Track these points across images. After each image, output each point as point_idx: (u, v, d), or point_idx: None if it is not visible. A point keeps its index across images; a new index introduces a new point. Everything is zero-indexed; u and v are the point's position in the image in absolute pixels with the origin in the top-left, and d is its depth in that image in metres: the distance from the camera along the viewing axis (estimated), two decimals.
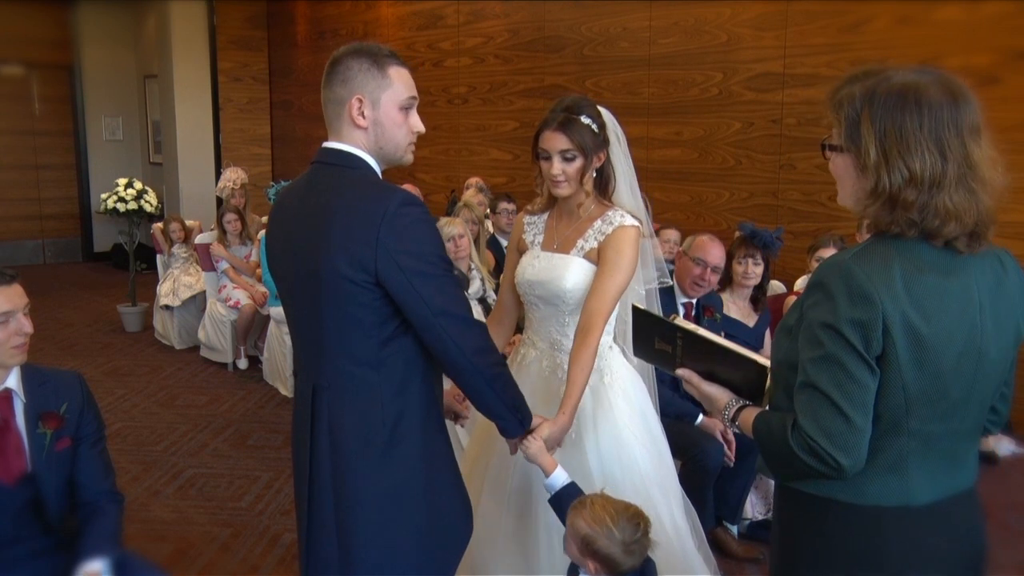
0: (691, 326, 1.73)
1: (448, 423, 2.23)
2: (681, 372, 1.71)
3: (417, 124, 1.85)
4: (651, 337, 1.78)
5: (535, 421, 1.99)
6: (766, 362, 1.60)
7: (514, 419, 1.91)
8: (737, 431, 1.63)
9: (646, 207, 2.40)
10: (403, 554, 1.81)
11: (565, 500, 1.97)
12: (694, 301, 3.48)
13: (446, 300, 1.73)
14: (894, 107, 1.38)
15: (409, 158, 1.87)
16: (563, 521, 1.96)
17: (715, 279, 3.45)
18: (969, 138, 1.38)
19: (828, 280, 1.40)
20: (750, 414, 1.57)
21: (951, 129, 1.37)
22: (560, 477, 2.01)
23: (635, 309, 1.83)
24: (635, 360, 2.41)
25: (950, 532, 1.46)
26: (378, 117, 1.79)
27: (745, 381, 1.62)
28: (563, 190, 2.25)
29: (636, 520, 1.89)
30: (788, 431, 1.41)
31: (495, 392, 1.84)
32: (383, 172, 1.87)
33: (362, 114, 1.77)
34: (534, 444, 1.98)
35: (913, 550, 1.43)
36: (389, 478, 1.78)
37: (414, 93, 1.84)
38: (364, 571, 1.79)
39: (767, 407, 1.59)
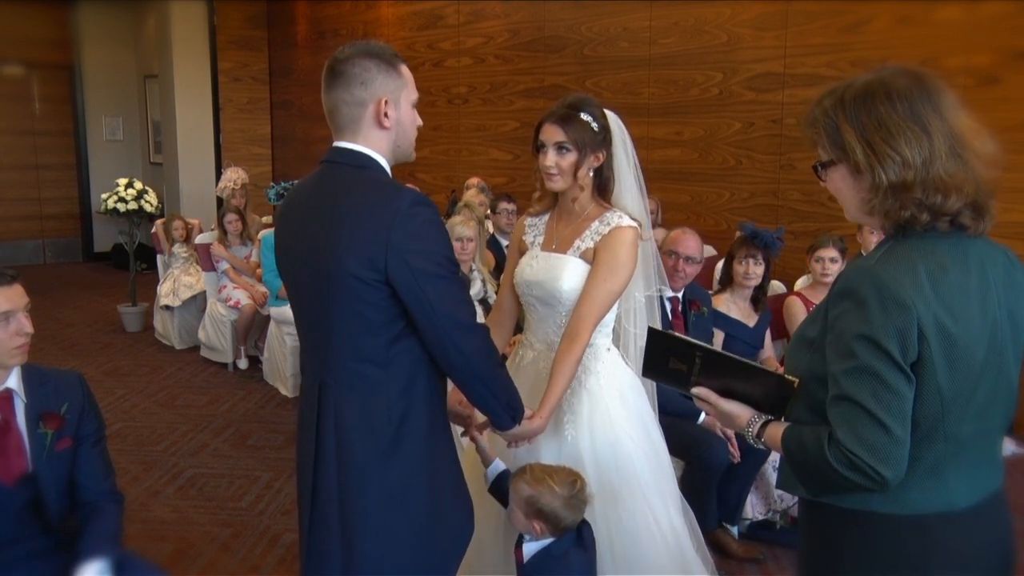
0: (707, 345, 1.71)
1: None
2: (697, 391, 1.68)
3: (419, 119, 1.90)
4: (665, 357, 1.75)
5: (526, 414, 2.04)
6: (792, 377, 1.55)
7: (507, 416, 1.95)
8: (762, 447, 1.61)
9: (657, 211, 2.40)
10: (405, 551, 1.82)
11: (503, 484, 2.15)
12: (680, 296, 3.49)
13: (450, 303, 1.74)
14: (865, 103, 1.42)
15: (414, 155, 1.92)
16: (503, 503, 2.14)
17: (691, 269, 3.47)
18: (947, 111, 1.40)
19: (857, 288, 1.38)
20: (777, 429, 1.53)
21: (926, 106, 1.40)
22: (499, 466, 2.20)
23: (651, 331, 1.80)
24: (635, 363, 2.41)
25: (987, 534, 1.46)
26: (400, 117, 1.82)
27: (766, 395, 1.59)
28: (555, 183, 2.25)
29: (572, 478, 2.05)
30: (824, 445, 1.39)
31: (492, 393, 1.88)
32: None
33: (386, 115, 1.79)
34: (481, 440, 2.20)
35: (952, 554, 1.42)
36: (393, 476, 1.79)
37: (417, 91, 1.89)
38: (366, 568, 1.80)
39: (783, 420, 1.57)
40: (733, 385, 1.64)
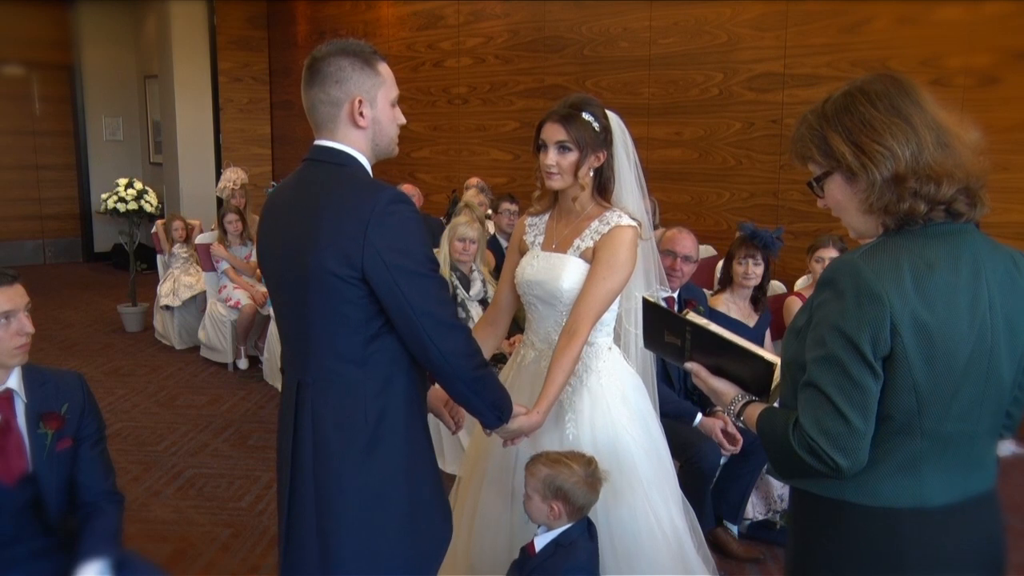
0: (701, 320, 1.74)
1: (442, 426, 2.25)
2: (689, 365, 1.74)
3: (401, 117, 1.89)
4: (661, 330, 1.80)
5: (517, 410, 2.03)
6: (774, 358, 1.60)
7: (492, 416, 1.94)
8: (742, 426, 1.65)
9: (653, 211, 2.41)
10: (384, 553, 1.81)
11: None
12: (675, 295, 3.49)
13: (429, 301, 1.73)
14: (847, 109, 1.45)
15: (396, 150, 1.91)
16: None
17: (687, 269, 3.48)
18: (927, 105, 1.43)
19: (837, 278, 1.41)
20: (755, 410, 1.58)
21: (905, 101, 1.43)
22: None
23: (645, 302, 1.85)
24: (636, 362, 2.41)
25: (967, 535, 1.46)
26: (376, 115, 1.81)
27: (753, 376, 1.63)
28: (555, 182, 2.26)
29: (586, 459, 2.11)
30: (789, 429, 1.43)
31: (475, 394, 1.86)
32: (376, 167, 1.88)
33: (361, 114, 1.79)
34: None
35: (929, 552, 1.43)
36: (371, 476, 1.78)
37: (397, 89, 1.88)
38: (344, 569, 1.79)
39: (775, 403, 1.59)
40: (723, 363, 1.68)
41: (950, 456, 1.44)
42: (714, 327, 1.74)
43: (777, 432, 1.46)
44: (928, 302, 1.36)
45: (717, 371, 1.69)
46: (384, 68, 1.83)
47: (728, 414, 1.65)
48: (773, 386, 1.60)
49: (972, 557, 1.47)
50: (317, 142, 1.83)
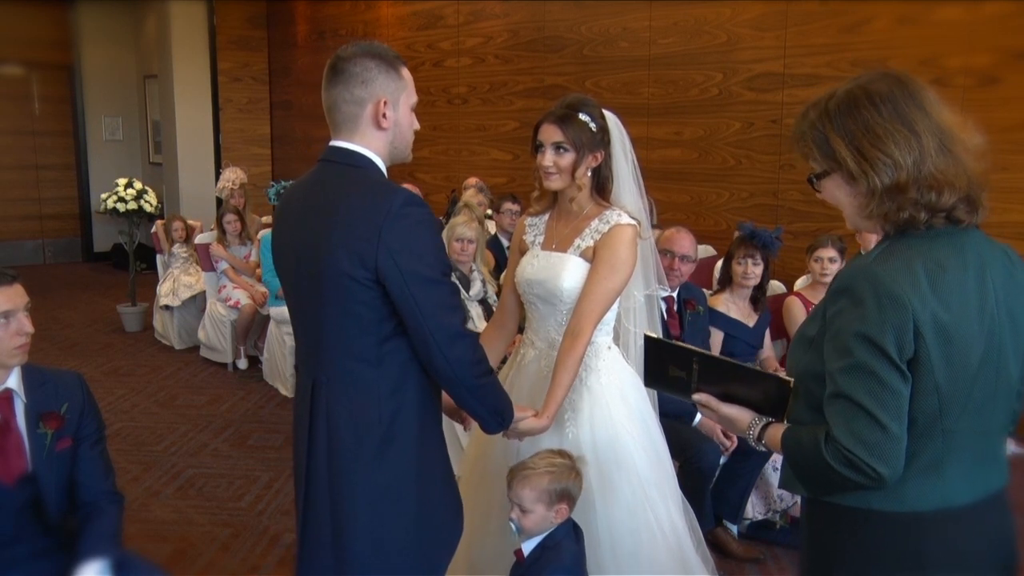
0: (703, 349, 1.71)
1: (448, 422, 2.25)
2: (698, 397, 1.70)
3: (417, 123, 1.91)
4: (664, 364, 1.76)
5: (525, 413, 2.06)
6: (787, 377, 1.57)
7: (494, 422, 1.94)
8: (764, 449, 1.62)
9: (651, 211, 2.41)
10: (396, 550, 1.82)
11: None
12: (675, 295, 3.49)
13: (439, 308, 1.73)
14: (850, 111, 1.43)
15: (411, 156, 1.93)
16: None
17: (686, 268, 3.49)
18: (931, 108, 1.42)
19: (854, 286, 1.39)
20: (777, 431, 1.55)
21: (910, 105, 1.41)
22: None
23: (647, 339, 1.82)
24: (635, 362, 2.41)
25: (987, 532, 1.46)
26: (397, 118, 1.83)
27: (767, 398, 1.60)
28: (553, 183, 2.26)
29: (557, 451, 2.14)
30: (821, 444, 1.40)
31: (478, 401, 1.87)
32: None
33: (384, 115, 1.80)
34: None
35: (950, 552, 1.43)
36: (384, 474, 1.79)
37: (416, 95, 1.90)
38: (357, 566, 1.80)
39: (784, 422, 1.57)
40: (733, 389, 1.65)
41: (968, 454, 1.43)
42: (719, 355, 1.72)
43: (807, 450, 1.43)
44: (944, 302, 1.36)
45: (725, 398, 1.66)
46: (407, 73, 1.85)
47: (748, 439, 1.62)
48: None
49: (990, 554, 1.47)
50: (333, 143, 1.84)
